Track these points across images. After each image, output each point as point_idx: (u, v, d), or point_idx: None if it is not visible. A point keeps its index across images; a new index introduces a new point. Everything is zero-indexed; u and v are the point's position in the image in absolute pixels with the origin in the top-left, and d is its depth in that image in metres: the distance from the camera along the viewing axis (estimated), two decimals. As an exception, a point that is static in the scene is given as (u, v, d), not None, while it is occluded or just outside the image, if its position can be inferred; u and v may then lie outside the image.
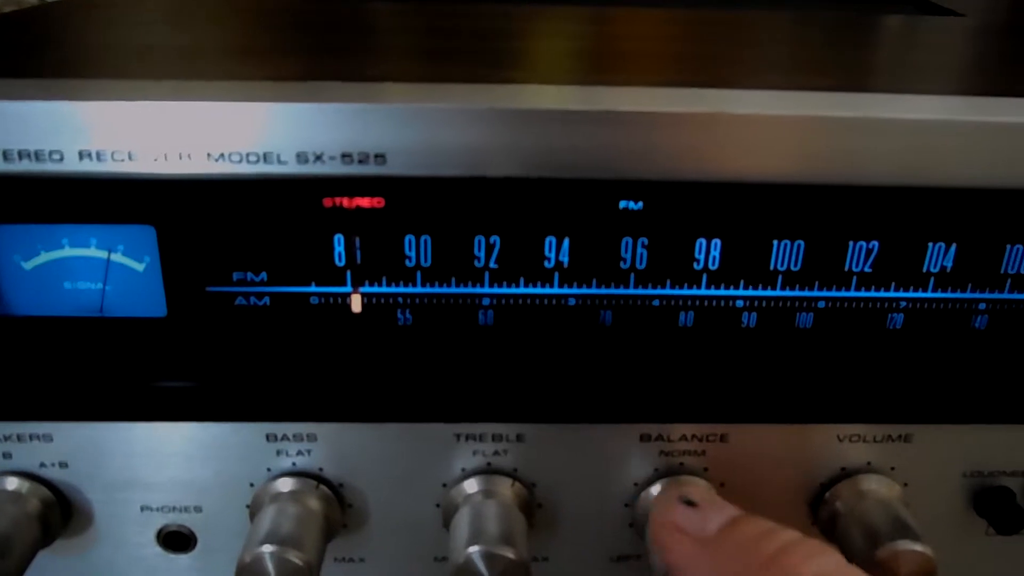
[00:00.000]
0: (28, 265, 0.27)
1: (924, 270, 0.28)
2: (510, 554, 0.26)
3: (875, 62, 0.37)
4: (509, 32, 0.40)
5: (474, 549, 0.26)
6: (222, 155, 0.24)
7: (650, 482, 0.29)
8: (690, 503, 0.26)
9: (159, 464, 0.28)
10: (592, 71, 0.32)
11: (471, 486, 0.28)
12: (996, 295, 0.28)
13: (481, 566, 0.26)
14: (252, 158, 0.24)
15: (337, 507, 0.28)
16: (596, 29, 0.43)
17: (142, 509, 0.29)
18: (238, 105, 0.23)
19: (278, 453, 0.28)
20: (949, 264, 0.28)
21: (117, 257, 0.27)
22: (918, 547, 0.26)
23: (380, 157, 0.24)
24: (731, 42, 0.40)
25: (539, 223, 0.26)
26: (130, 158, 0.24)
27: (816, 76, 0.32)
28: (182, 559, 0.30)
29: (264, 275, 0.27)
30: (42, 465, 0.28)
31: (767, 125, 0.25)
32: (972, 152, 0.25)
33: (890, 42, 0.42)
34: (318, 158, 0.24)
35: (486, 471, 0.28)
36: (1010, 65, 0.37)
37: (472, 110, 0.23)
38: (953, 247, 0.27)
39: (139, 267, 0.27)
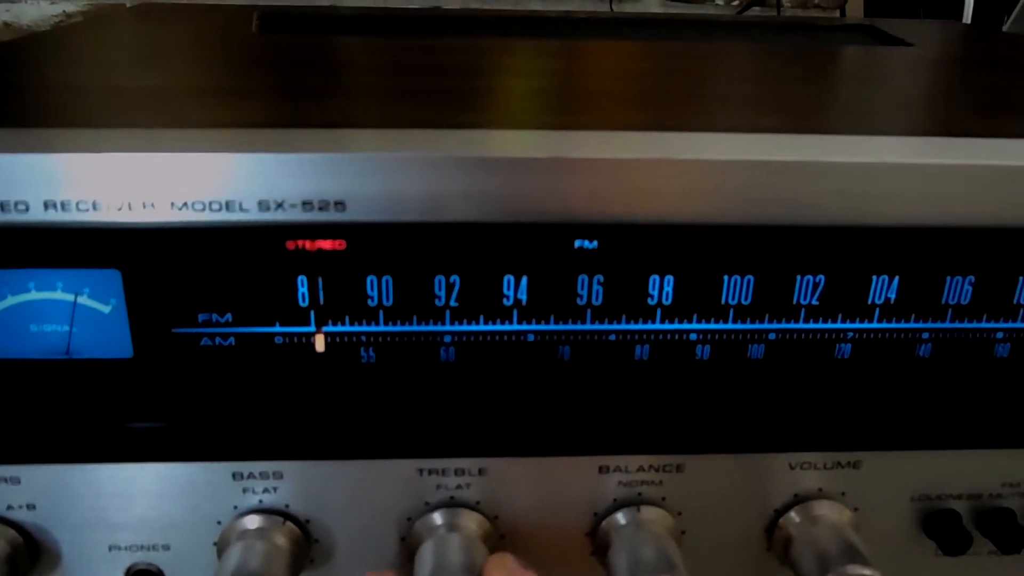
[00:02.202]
0: (-6, 309, 0.27)
1: (869, 302, 0.29)
2: (472, 586, 0.26)
3: (826, 99, 0.38)
4: (468, 69, 0.41)
5: (437, 582, 0.26)
6: (185, 204, 0.24)
7: (609, 512, 0.29)
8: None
9: (127, 504, 0.29)
10: (546, 112, 0.33)
11: (435, 519, 0.29)
12: (938, 324, 0.29)
13: (444, 599, 0.26)
14: (215, 206, 0.24)
15: (304, 543, 0.29)
16: (552, 65, 0.44)
17: (110, 548, 0.29)
18: (200, 156, 0.24)
19: (244, 491, 0.28)
20: (893, 296, 0.29)
21: (83, 300, 0.27)
22: (867, 571, 0.27)
23: (340, 204, 0.25)
24: (685, 77, 0.42)
25: (497, 263, 0.27)
26: (95, 207, 0.24)
27: (766, 115, 0.33)
28: (150, 597, 0.30)
29: (229, 316, 0.27)
30: (9, 507, 0.28)
31: (713, 170, 0.26)
32: (912, 193, 0.27)
33: (842, 76, 0.44)
34: (279, 206, 0.24)
35: (449, 504, 0.29)
36: (954, 101, 0.39)
37: (429, 158, 0.24)
38: (896, 280, 0.28)
39: (105, 309, 0.27)
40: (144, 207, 0.24)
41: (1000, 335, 0.30)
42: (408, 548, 0.29)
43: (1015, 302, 0.29)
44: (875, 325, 0.29)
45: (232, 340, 0.28)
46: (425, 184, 0.25)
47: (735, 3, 0.99)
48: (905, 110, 0.37)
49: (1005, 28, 0.77)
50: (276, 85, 0.35)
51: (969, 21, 0.88)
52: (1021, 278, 0.29)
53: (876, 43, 0.54)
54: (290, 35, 0.48)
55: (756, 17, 0.83)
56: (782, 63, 0.46)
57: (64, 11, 0.93)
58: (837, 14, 1.03)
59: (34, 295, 0.27)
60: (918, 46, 0.51)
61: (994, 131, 0.31)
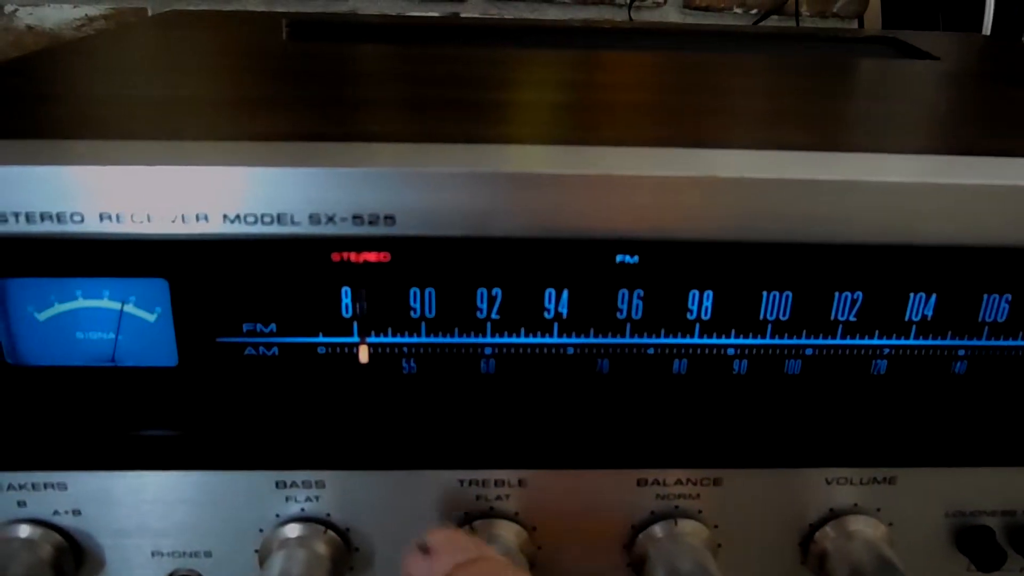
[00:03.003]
0: (42, 316, 0.28)
1: (906, 319, 0.29)
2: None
3: (859, 115, 0.38)
4: (498, 81, 0.41)
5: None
6: (238, 217, 0.25)
7: (647, 525, 0.30)
8: (424, 549, 0.26)
9: (169, 511, 0.29)
10: (582, 127, 0.33)
11: (476, 530, 0.29)
12: (974, 342, 0.30)
13: (484, 609, 0.27)
14: (267, 219, 0.25)
15: (344, 551, 0.29)
16: (581, 78, 0.44)
17: (153, 554, 0.30)
18: (253, 170, 0.24)
19: (287, 499, 0.29)
20: (930, 313, 0.29)
21: (130, 308, 0.28)
22: (903, 586, 0.28)
23: (390, 218, 0.25)
24: (711, 91, 0.42)
25: (539, 277, 0.27)
26: (148, 220, 0.24)
27: (801, 132, 0.33)
28: (191, 603, 0.30)
29: (273, 326, 0.28)
30: (55, 513, 0.29)
31: (752, 188, 0.26)
32: (949, 211, 0.27)
33: (872, 91, 0.44)
34: (330, 219, 0.25)
35: (488, 514, 0.29)
36: (984, 118, 0.39)
37: (478, 174, 0.24)
38: (933, 297, 0.29)
39: (151, 318, 0.28)
40: (197, 220, 0.25)
41: (1036, 353, 0.30)
42: (447, 558, 0.29)
43: (1051, 320, 0.29)
44: (911, 342, 0.29)
45: (276, 350, 0.28)
46: (471, 199, 0.25)
47: (753, 11, 0.99)
48: (938, 126, 0.37)
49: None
50: (314, 95, 0.35)
51: (989, 32, 0.88)
52: (1057, 296, 0.29)
53: (901, 56, 0.54)
54: (320, 43, 0.49)
55: (777, 28, 0.84)
56: (809, 77, 0.47)
57: (86, 14, 0.94)
58: (855, 24, 1.03)
59: (81, 303, 0.27)
60: (944, 60, 0.51)
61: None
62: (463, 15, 1.01)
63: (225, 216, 0.25)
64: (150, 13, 0.96)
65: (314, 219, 0.25)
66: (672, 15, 1.01)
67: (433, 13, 1.00)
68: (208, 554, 0.30)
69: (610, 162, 0.26)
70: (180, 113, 0.31)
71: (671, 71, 0.47)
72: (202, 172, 0.24)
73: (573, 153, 0.26)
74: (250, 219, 0.25)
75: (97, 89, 0.36)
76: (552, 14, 1.01)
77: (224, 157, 0.24)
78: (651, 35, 0.66)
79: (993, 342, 0.29)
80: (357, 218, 0.25)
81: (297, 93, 0.35)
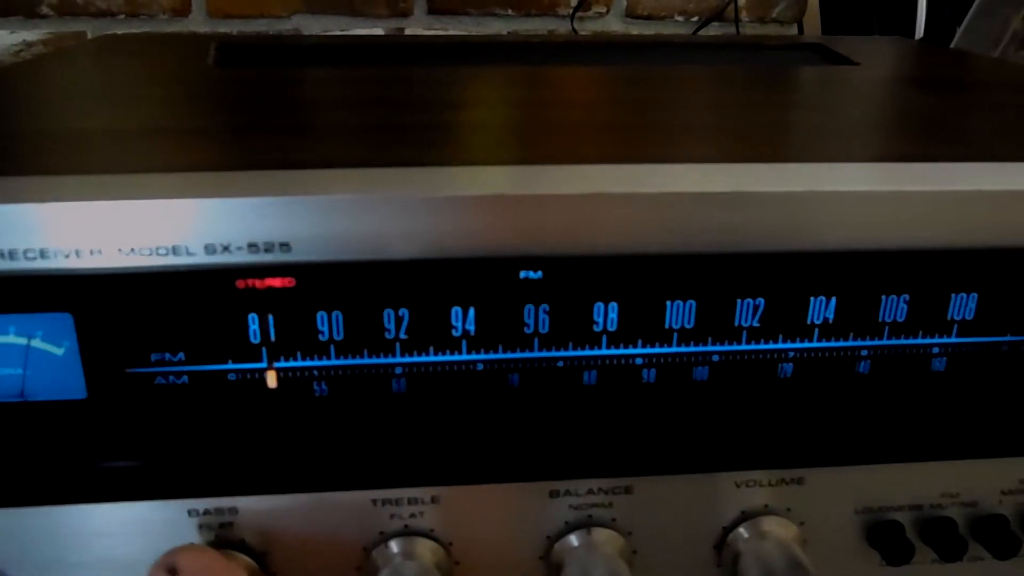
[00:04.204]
0: (-52, 354, 0.27)
1: (808, 322, 0.30)
2: (427, 614, 0.27)
3: (766, 124, 0.39)
4: (418, 102, 0.42)
5: (392, 610, 0.27)
6: (132, 250, 0.25)
7: (561, 535, 0.30)
8: (171, 571, 0.26)
9: (85, 544, 0.29)
10: (483, 147, 0.34)
11: (390, 549, 0.29)
12: (876, 342, 0.30)
13: (398, 627, 0.27)
14: (162, 251, 0.25)
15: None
16: (501, 95, 0.45)
17: (71, 590, 0.29)
18: (144, 203, 0.24)
19: (200, 527, 0.29)
20: (831, 316, 0.30)
21: (37, 343, 0.27)
22: (810, 584, 0.28)
23: (285, 245, 0.25)
24: (629, 106, 0.42)
25: (444, 297, 0.28)
26: (42, 256, 0.25)
27: (705, 144, 0.34)
28: (111, 635, 0.30)
29: (182, 355, 0.28)
30: (-33, 552, 0.28)
31: (651, 202, 0.27)
32: (843, 218, 0.28)
33: (784, 99, 0.45)
34: (225, 249, 0.25)
35: (404, 533, 0.30)
36: (892, 124, 0.40)
37: (368, 200, 0.25)
38: (833, 300, 0.29)
39: (59, 351, 0.28)
40: (92, 254, 0.25)
41: (936, 350, 0.31)
42: (365, 578, 0.30)
43: (948, 318, 0.30)
44: (815, 344, 0.30)
45: (185, 378, 0.28)
46: (366, 224, 0.25)
47: (694, 19, 1.01)
48: (843, 134, 0.38)
49: (953, 44, 0.79)
50: (225, 124, 0.35)
51: (922, 35, 0.90)
52: (953, 295, 0.30)
53: (824, 62, 0.55)
54: (247, 68, 0.49)
55: (711, 38, 0.85)
56: (727, 88, 0.48)
57: (24, 40, 0.93)
58: (795, 29, 1.05)
59: (-13, 339, 0.27)
60: (864, 65, 0.52)
61: (928, 155, 0.32)
62: (407, 31, 1.02)
63: (120, 249, 0.25)
64: (89, 37, 0.95)
65: (209, 249, 0.25)
66: (614, 24, 1.02)
67: (377, 30, 1.00)
68: (126, 585, 0.30)
69: (502, 182, 0.26)
70: (85, 146, 0.31)
71: (596, 87, 0.48)
72: (91, 207, 0.24)
73: (468, 173, 0.27)
74: (145, 252, 0.25)
75: (6, 122, 0.36)
76: (496, 27, 1.02)
77: (114, 191, 0.25)
78: (589, 48, 0.67)
79: (894, 341, 0.30)
80: (253, 246, 0.25)
81: (208, 123, 0.36)
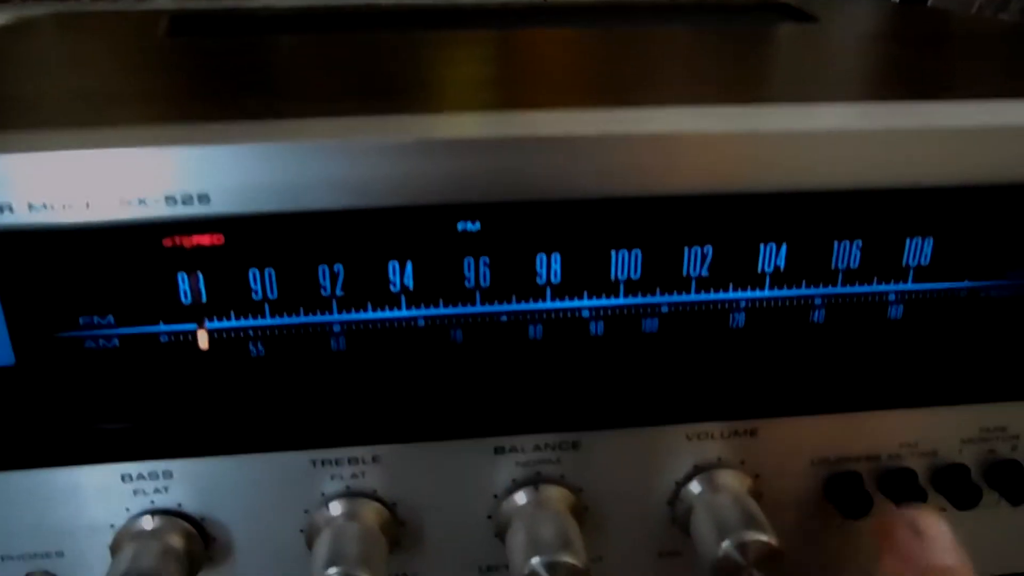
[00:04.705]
0: None
1: (759, 270, 0.29)
2: (367, 574, 0.26)
3: (714, 76, 0.38)
4: (355, 61, 0.41)
5: (332, 571, 0.26)
6: (44, 205, 0.24)
7: (509, 492, 0.29)
8: (916, 532, 0.27)
9: (18, 512, 0.28)
10: (404, 98, 0.33)
11: (333, 509, 0.29)
12: (829, 289, 0.30)
13: (339, 588, 0.26)
14: (74, 206, 0.24)
15: (199, 541, 0.29)
16: (446, 55, 0.44)
17: (3, 559, 0.29)
18: (55, 155, 0.23)
19: (135, 492, 0.28)
20: (782, 264, 0.29)
21: (-39, 309, 0.27)
22: (762, 536, 0.27)
23: (204, 197, 0.24)
24: (588, 62, 0.42)
25: (379, 250, 0.27)
26: (-50, 212, 0.24)
27: (647, 90, 0.33)
28: (50, 606, 0.30)
29: (111, 317, 0.27)
30: None
31: (588, 145, 0.26)
32: (790, 159, 0.27)
33: (737, 56, 0.44)
34: (142, 202, 0.24)
35: (346, 495, 0.29)
36: (846, 74, 0.39)
37: (282, 147, 0.24)
38: (784, 247, 0.29)
39: (-16, 317, 0.27)
40: (1, 211, 0.24)
41: (892, 297, 0.30)
42: (308, 539, 0.29)
43: (903, 264, 0.29)
44: (766, 293, 0.29)
45: (116, 341, 0.27)
46: (284, 173, 0.24)
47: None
48: (792, 83, 0.37)
49: (930, 2, 0.78)
50: (157, 88, 0.34)
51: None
52: (908, 239, 0.29)
53: (788, 20, 0.55)
54: (194, 37, 0.48)
55: (683, 0, 0.84)
56: (688, 45, 0.47)
57: (-9, 24, 0.92)
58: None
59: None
60: (823, 22, 0.52)
61: (876, 96, 0.31)
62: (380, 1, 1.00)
63: (30, 205, 0.24)
64: (57, 20, 0.93)
65: (124, 203, 0.24)
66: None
67: (350, 1, 0.99)
68: (60, 554, 0.29)
69: (426, 127, 0.25)
70: (2, 108, 0.30)
71: (547, 45, 0.47)
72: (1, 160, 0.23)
73: (382, 121, 0.26)
74: (56, 206, 0.24)
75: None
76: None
77: (22, 144, 0.24)
78: (559, 12, 0.66)
79: (847, 289, 0.30)
80: (170, 199, 0.24)
81: (138, 88, 0.34)
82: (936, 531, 0.28)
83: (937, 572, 0.27)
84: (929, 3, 0.78)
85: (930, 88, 0.34)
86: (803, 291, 0.29)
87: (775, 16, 0.57)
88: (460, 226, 0.27)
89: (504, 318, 0.28)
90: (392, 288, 0.27)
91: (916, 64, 0.41)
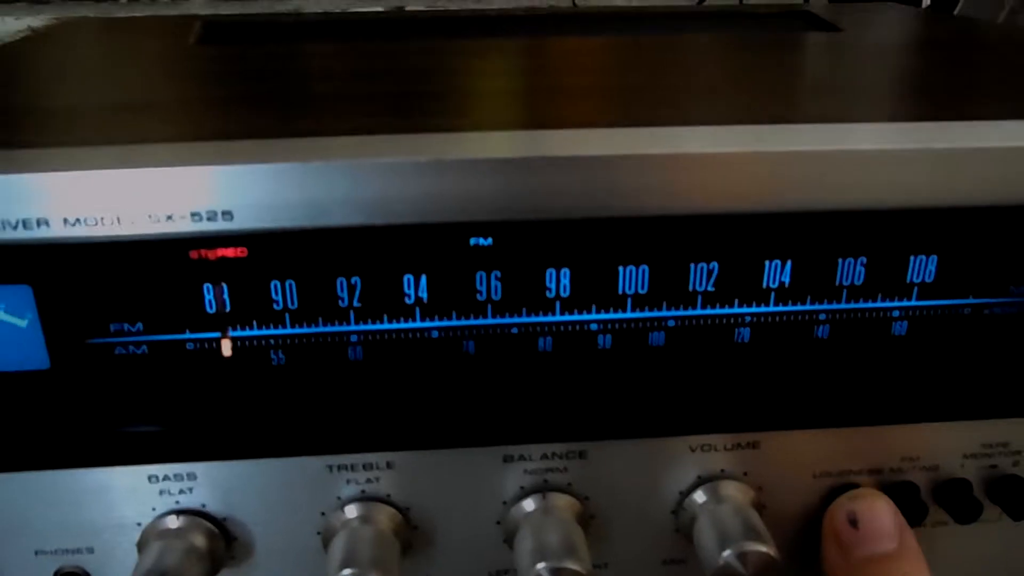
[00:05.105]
0: (-85, 327, 0.28)
1: (764, 286, 0.30)
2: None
3: (730, 89, 0.39)
4: (379, 72, 0.42)
5: (347, 572, 0.27)
6: (77, 220, 0.25)
7: (517, 499, 0.30)
8: (853, 521, 0.29)
9: (49, 510, 0.30)
10: (423, 114, 0.34)
11: (348, 512, 0.30)
12: (834, 306, 0.30)
13: (353, 588, 0.27)
14: (106, 221, 0.25)
15: (222, 541, 0.30)
16: (459, 64, 0.45)
17: (36, 554, 0.30)
18: (87, 174, 0.25)
19: (161, 493, 0.29)
20: (787, 280, 0.30)
21: (1, 315, 0.28)
22: (761, 547, 0.28)
23: (227, 214, 0.26)
24: (587, 73, 0.42)
25: (395, 264, 0.28)
26: (-8, 226, 0.25)
27: (655, 108, 0.34)
28: (80, 599, 0.31)
29: (140, 325, 0.28)
30: (-65, 516, 0.29)
31: (594, 165, 0.27)
32: (800, 179, 0.28)
33: (755, 64, 0.45)
34: (169, 218, 0.25)
35: (361, 499, 0.30)
36: (858, 86, 0.40)
37: (304, 168, 0.25)
38: (788, 264, 0.29)
39: (21, 323, 0.28)
40: (38, 225, 0.25)
41: (896, 313, 0.30)
42: (323, 541, 0.30)
43: (908, 281, 0.30)
44: (771, 309, 0.30)
45: (145, 348, 0.29)
46: (305, 191, 0.26)
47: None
48: (804, 96, 0.38)
49: (957, 11, 0.78)
50: (185, 99, 0.36)
51: (928, 3, 0.88)
52: (912, 258, 0.30)
53: (810, 29, 0.55)
54: (226, 46, 0.49)
55: (708, 8, 0.84)
56: (706, 56, 0.47)
57: (29, 26, 0.94)
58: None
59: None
60: (846, 31, 0.52)
61: (890, 115, 0.32)
62: (408, 8, 1.01)
63: (65, 220, 0.25)
64: (92, 22, 0.96)
65: (153, 218, 0.25)
66: (617, -1, 1.01)
67: (378, 8, 1.00)
68: (91, 550, 0.30)
69: (441, 147, 0.26)
70: (35, 124, 0.32)
71: (565, 55, 0.48)
72: (37, 179, 0.25)
73: (400, 141, 0.27)
74: (90, 222, 0.25)
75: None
76: (498, 2, 1.01)
77: (58, 163, 0.25)
78: (588, 19, 0.67)
79: (851, 305, 0.30)
80: (195, 215, 0.25)
81: (167, 97, 0.36)
82: (873, 518, 0.28)
83: (875, 562, 0.27)
84: (956, 11, 0.78)
85: (943, 106, 0.35)
86: (808, 307, 0.30)
87: (799, 24, 0.58)
88: (473, 241, 0.28)
89: (515, 330, 0.29)
90: (407, 300, 0.29)
91: (933, 78, 0.41)
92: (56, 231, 0.25)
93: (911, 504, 0.32)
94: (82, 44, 0.52)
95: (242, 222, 0.26)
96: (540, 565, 0.28)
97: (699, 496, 0.31)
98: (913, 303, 0.30)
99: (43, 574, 0.30)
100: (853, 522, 0.29)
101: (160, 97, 0.36)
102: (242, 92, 0.38)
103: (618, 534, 0.32)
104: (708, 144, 0.28)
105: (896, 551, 0.27)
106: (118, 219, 0.25)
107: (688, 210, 0.28)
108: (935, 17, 0.63)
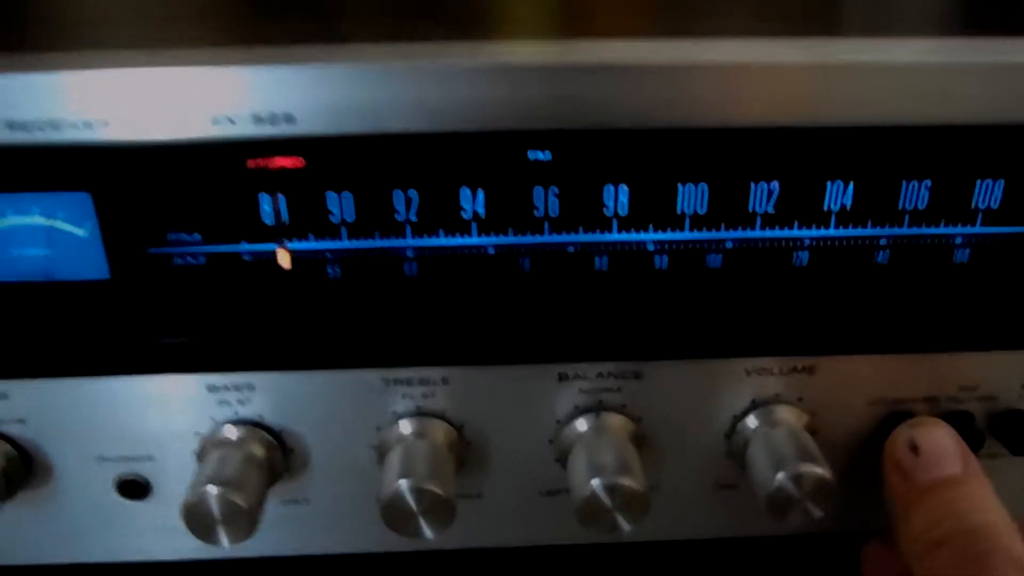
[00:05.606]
0: (-24, 236, 0.28)
1: (825, 208, 0.29)
2: (437, 489, 0.28)
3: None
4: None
5: (403, 483, 0.28)
6: (142, 121, 0.25)
7: (571, 418, 0.31)
8: (914, 448, 0.29)
9: (111, 417, 0.30)
10: (480, 26, 0.33)
11: (404, 427, 0.30)
12: (895, 230, 0.30)
13: (409, 499, 0.28)
14: (169, 123, 0.25)
15: (279, 452, 0.30)
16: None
17: (98, 460, 0.31)
18: (147, 71, 0.25)
19: (220, 403, 0.30)
20: (848, 202, 0.29)
21: (59, 224, 0.28)
22: (818, 470, 0.28)
23: (290, 117, 0.25)
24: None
25: (453, 176, 0.28)
26: (55, 127, 0.25)
27: (714, 19, 0.33)
28: (138, 505, 0.32)
29: (198, 235, 0.28)
30: (0, 422, 0.30)
31: (657, 74, 0.26)
32: (859, 93, 0.27)
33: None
34: (231, 120, 0.25)
35: (416, 413, 0.30)
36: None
37: (370, 69, 0.25)
38: (851, 185, 0.29)
39: (81, 232, 0.28)
40: (103, 125, 0.25)
41: (959, 240, 0.30)
42: (378, 454, 0.30)
43: (972, 206, 0.29)
44: (831, 232, 0.30)
45: (203, 259, 0.29)
46: (368, 94, 0.25)
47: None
48: (853, 14, 0.37)
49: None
50: (233, 6, 0.35)
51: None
52: (978, 181, 0.29)
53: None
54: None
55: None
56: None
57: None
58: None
59: (12, 220, 0.28)
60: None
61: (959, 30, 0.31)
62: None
63: (128, 121, 0.25)
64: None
65: (216, 121, 0.25)
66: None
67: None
68: (151, 458, 0.31)
69: (506, 53, 0.26)
70: (94, 28, 0.32)
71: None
72: (97, 76, 0.25)
73: (466, 46, 0.26)
74: (151, 123, 0.25)
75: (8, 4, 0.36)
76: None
77: (120, 61, 0.25)
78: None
79: (913, 230, 0.30)
80: (257, 118, 0.25)
81: (216, 3, 0.36)
82: (934, 444, 0.28)
83: (940, 486, 0.27)
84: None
85: (1001, 23, 0.34)
86: (869, 231, 0.30)
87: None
88: (531, 155, 0.28)
89: (571, 248, 0.29)
90: (464, 215, 0.28)
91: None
92: (117, 133, 0.25)
93: (967, 434, 0.31)
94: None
95: (303, 127, 0.26)
96: (595, 481, 0.28)
97: (753, 420, 0.31)
98: (977, 229, 0.30)
99: (105, 480, 0.31)
100: (914, 448, 0.29)
101: (205, 3, 0.36)
102: (297, 5, 0.37)
103: (670, 457, 0.32)
104: (766, 54, 0.27)
105: (960, 475, 0.27)
106: (179, 120, 0.25)
107: (749, 122, 0.27)
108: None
